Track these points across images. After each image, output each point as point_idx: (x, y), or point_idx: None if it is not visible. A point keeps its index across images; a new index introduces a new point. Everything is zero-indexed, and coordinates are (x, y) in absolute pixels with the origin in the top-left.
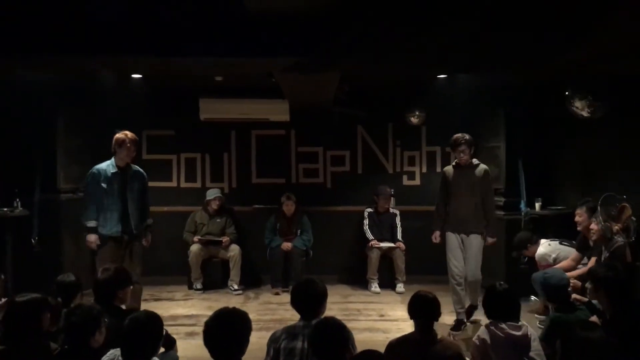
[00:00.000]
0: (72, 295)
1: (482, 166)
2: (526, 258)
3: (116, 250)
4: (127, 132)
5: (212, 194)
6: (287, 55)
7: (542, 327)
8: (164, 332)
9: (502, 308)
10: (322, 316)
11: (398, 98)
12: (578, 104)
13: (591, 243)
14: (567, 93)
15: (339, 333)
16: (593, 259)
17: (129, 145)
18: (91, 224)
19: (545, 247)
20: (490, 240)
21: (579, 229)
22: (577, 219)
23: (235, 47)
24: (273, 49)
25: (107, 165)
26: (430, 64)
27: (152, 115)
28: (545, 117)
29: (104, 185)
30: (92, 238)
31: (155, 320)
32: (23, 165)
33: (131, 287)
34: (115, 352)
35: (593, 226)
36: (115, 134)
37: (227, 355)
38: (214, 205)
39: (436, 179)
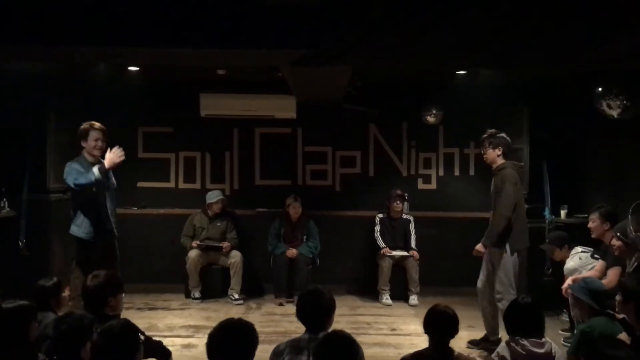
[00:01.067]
0: (48, 297)
1: (503, 171)
2: (550, 269)
3: (104, 252)
4: (89, 122)
5: (214, 196)
6: (295, 47)
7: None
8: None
9: (524, 323)
10: (330, 329)
11: (414, 95)
12: (608, 103)
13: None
14: (596, 91)
15: (347, 348)
16: (616, 270)
17: (98, 135)
18: (95, 169)
19: (575, 260)
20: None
21: (593, 236)
22: (590, 224)
23: (240, 38)
24: (280, 40)
25: (79, 163)
26: (449, 58)
27: (149, 111)
28: (572, 117)
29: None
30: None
31: (129, 332)
32: (10, 163)
33: (123, 294)
34: None
35: (614, 242)
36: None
37: None
38: (216, 209)
39: (454, 183)
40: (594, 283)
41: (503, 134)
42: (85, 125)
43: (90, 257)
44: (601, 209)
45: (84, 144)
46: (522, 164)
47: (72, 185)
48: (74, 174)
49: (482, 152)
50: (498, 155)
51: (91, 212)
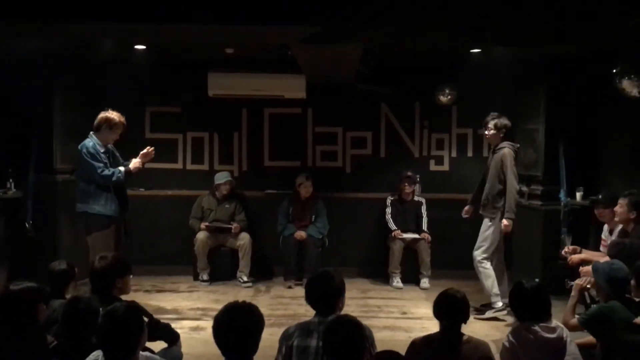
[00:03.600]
0: (63, 284)
1: (503, 150)
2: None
3: (116, 231)
4: (116, 113)
5: (222, 177)
6: (306, 25)
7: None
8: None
9: (531, 308)
10: (340, 312)
11: (426, 74)
12: (627, 82)
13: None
14: (615, 70)
15: (353, 333)
16: None
17: (120, 130)
18: (121, 175)
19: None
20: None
21: (616, 219)
22: (617, 208)
23: (249, 15)
24: (290, 17)
25: (94, 143)
26: (464, 35)
27: (157, 91)
28: (590, 96)
29: (104, 160)
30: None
31: (133, 314)
32: (17, 144)
33: (131, 275)
34: (98, 353)
35: (617, 208)
36: (104, 111)
37: (240, 353)
38: (224, 190)
39: (467, 165)
40: (619, 271)
41: (506, 119)
42: (113, 115)
43: (115, 230)
44: (631, 196)
45: (105, 131)
46: (519, 145)
47: (99, 178)
48: (98, 166)
49: (485, 132)
50: (500, 137)
51: (116, 190)
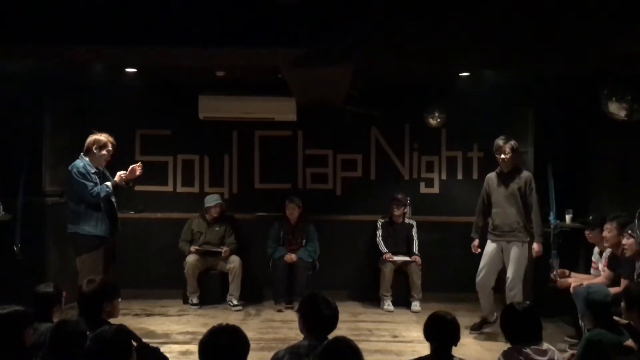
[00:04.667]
0: (48, 307)
1: (526, 173)
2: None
3: (105, 254)
4: (104, 134)
5: (212, 200)
6: (296, 47)
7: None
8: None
9: (523, 330)
10: (331, 336)
11: (416, 97)
12: (614, 105)
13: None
14: (602, 93)
15: (352, 357)
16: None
17: (111, 150)
18: (108, 184)
19: None
20: (535, 246)
21: (606, 245)
22: (605, 233)
23: (239, 37)
24: (280, 40)
25: (84, 163)
26: (452, 58)
27: (147, 113)
28: (578, 119)
29: (95, 180)
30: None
31: (121, 337)
32: (6, 166)
33: (119, 299)
34: None
35: (625, 241)
36: (92, 133)
37: None
38: (214, 213)
39: (457, 187)
40: (597, 294)
41: (512, 140)
42: (102, 137)
43: (104, 253)
44: (619, 218)
45: (94, 152)
46: None
47: (89, 197)
48: (89, 185)
49: (502, 156)
50: (517, 160)
51: (107, 209)
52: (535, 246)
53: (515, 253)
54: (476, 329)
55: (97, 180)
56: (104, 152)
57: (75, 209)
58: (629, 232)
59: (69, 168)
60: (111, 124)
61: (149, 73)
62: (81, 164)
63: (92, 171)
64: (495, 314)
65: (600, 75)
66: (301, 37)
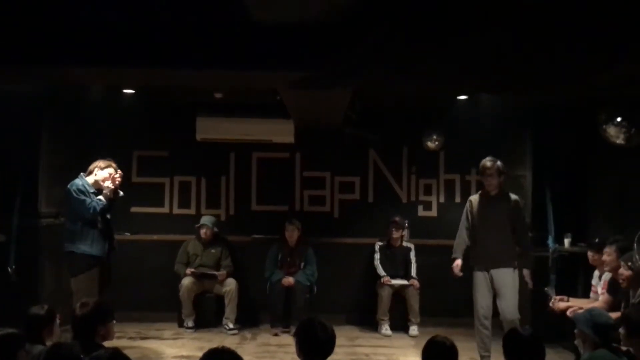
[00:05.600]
0: (39, 329)
1: (513, 196)
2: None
3: (100, 275)
4: (111, 161)
5: (203, 220)
6: (294, 69)
7: None
8: None
9: (526, 356)
10: None
11: (414, 120)
12: (612, 130)
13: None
14: (600, 118)
15: None
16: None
17: (112, 172)
18: (101, 197)
19: None
20: (525, 272)
21: (605, 269)
22: (605, 257)
23: (237, 59)
24: (278, 62)
25: (84, 182)
26: (450, 82)
27: (144, 134)
28: (576, 144)
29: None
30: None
31: None
32: (1, 186)
33: (114, 321)
34: None
35: (622, 271)
36: (101, 158)
37: None
38: (202, 235)
39: (455, 210)
40: (600, 317)
41: (499, 161)
42: (112, 163)
43: (99, 274)
44: (618, 242)
45: (96, 174)
46: None
47: (87, 213)
48: (87, 200)
49: (489, 178)
50: (501, 183)
51: (103, 228)
52: (525, 272)
53: (506, 279)
54: None
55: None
56: (107, 171)
57: (72, 227)
58: (628, 263)
59: (68, 186)
60: (108, 144)
61: (146, 94)
62: (80, 182)
63: (91, 191)
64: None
65: (599, 100)
66: (300, 59)
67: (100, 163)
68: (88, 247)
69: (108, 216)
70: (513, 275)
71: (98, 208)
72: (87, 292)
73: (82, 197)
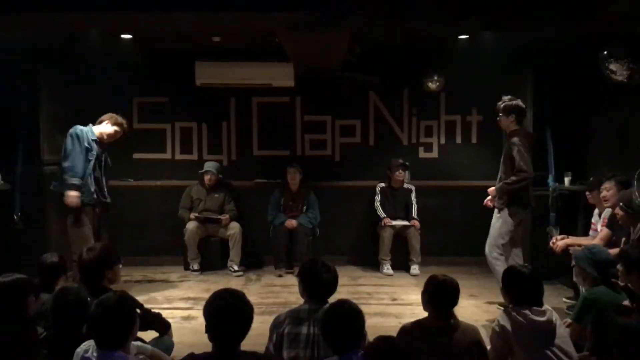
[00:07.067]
0: (54, 278)
1: (515, 138)
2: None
3: (92, 218)
4: (124, 121)
5: (206, 166)
6: (292, 10)
7: (571, 312)
8: (157, 316)
9: (525, 292)
10: (331, 300)
11: (414, 61)
12: (614, 66)
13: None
14: (601, 55)
15: (354, 318)
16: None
17: (120, 131)
18: (76, 181)
19: None
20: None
21: (606, 205)
22: (604, 193)
23: (235, 1)
24: (277, 3)
25: (88, 129)
26: (451, 21)
27: (144, 80)
28: (578, 82)
29: (87, 146)
30: (75, 194)
31: (125, 304)
32: (3, 136)
33: (120, 265)
34: (90, 343)
35: (618, 211)
36: (115, 113)
37: (229, 340)
38: (206, 180)
39: (456, 151)
40: (600, 254)
41: (517, 101)
42: (120, 118)
43: (97, 218)
44: (617, 177)
45: (105, 123)
46: (536, 134)
47: (65, 160)
48: (77, 156)
49: (497, 118)
50: (512, 122)
51: (96, 177)
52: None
53: (493, 219)
54: None
55: (94, 148)
56: (115, 128)
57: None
58: (621, 204)
59: (71, 129)
60: (108, 91)
61: (144, 40)
62: (81, 128)
63: (93, 138)
64: None
65: (600, 37)
66: (298, 1)
67: (116, 116)
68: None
69: (96, 174)
70: (498, 217)
71: (68, 179)
72: (82, 238)
73: (72, 145)
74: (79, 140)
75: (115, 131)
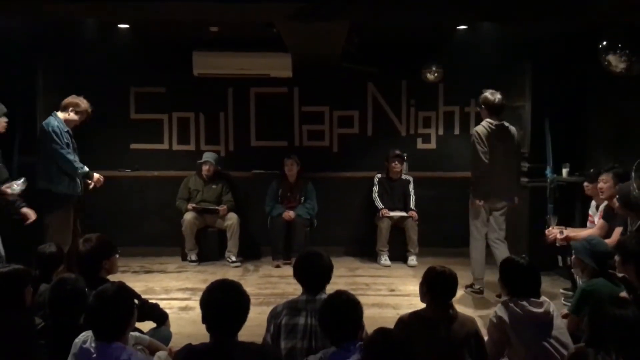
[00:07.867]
0: (52, 268)
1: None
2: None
3: (73, 210)
4: (85, 101)
5: (204, 157)
6: (291, 1)
7: (569, 303)
8: (155, 306)
9: (523, 283)
10: (328, 290)
11: (413, 52)
12: (613, 57)
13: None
14: (601, 45)
15: (351, 309)
16: (618, 230)
17: (83, 119)
18: (85, 169)
19: None
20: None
21: (602, 197)
22: (601, 185)
23: None
24: None
25: (58, 123)
26: (450, 11)
27: (141, 71)
28: (576, 73)
29: (66, 141)
30: (98, 175)
31: (123, 295)
32: None
33: (117, 255)
34: (88, 333)
35: (615, 202)
36: (78, 95)
37: (226, 330)
38: (205, 171)
39: (454, 142)
40: (598, 245)
41: (486, 93)
42: (82, 103)
43: (74, 211)
44: (615, 169)
45: (70, 110)
46: (501, 123)
47: (62, 159)
48: (64, 153)
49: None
50: (485, 113)
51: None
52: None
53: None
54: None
55: (68, 141)
56: (77, 117)
57: (49, 167)
58: (617, 196)
59: (43, 124)
60: (105, 81)
61: (142, 30)
62: (55, 123)
63: (65, 129)
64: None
65: (599, 29)
66: None
67: (79, 102)
68: (65, 187)
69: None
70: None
71: (72, 168)
72: (62, 227)
73: (58, 141)
74: (58, 137)
75: (79, 118)
